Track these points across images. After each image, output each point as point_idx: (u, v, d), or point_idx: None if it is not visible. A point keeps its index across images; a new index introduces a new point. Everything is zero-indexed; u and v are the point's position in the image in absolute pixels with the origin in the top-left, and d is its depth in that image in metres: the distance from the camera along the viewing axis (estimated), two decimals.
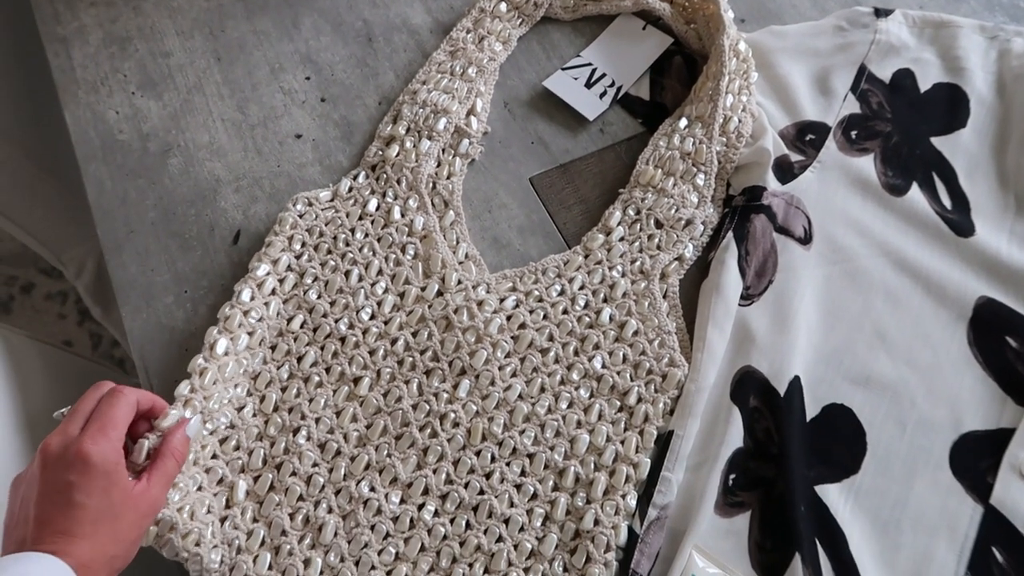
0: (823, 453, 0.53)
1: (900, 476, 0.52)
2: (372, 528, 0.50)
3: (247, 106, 0.67)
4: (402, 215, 0.59)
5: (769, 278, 0.58)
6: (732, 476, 0.52)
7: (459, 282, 0.57)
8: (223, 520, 0.50)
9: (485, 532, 0.50)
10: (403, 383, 0.54)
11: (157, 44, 0.69)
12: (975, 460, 0.53)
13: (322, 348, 0.55)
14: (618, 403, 0.53)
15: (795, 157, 0.63)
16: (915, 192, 0.62)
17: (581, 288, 0.57)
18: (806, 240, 0.60)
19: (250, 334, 0.54)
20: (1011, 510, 0.51)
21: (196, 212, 0.62)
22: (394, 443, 0.52)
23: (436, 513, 0.50)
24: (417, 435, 0.52)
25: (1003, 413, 0.54)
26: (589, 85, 0.67)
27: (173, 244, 0.60)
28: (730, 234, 0.59)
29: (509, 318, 0.56)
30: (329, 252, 0.58)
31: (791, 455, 0.51)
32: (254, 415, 0.53)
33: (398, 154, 0.61)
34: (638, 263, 0.58)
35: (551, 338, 0.55)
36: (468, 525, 0.50)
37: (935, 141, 0.64)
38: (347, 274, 0.57)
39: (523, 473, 0.52)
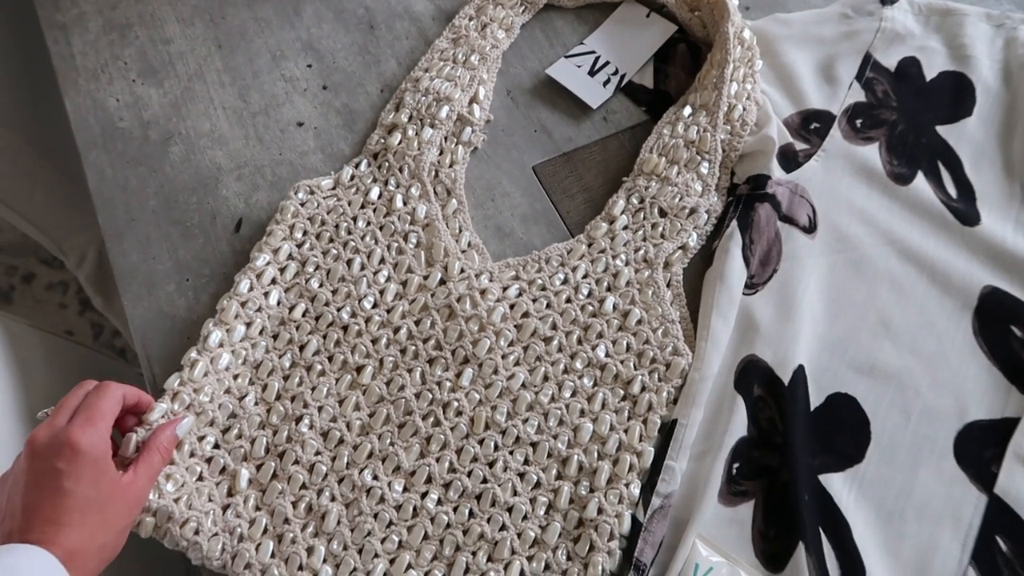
0: (827, 442, 0.53)
1: (904, 465, 0.52)
2: (375, 516, 0.50)
3: (248, 94, 0.66)
4: (404, 203, 0.59)
5: (773, 267, 0.58)
6: (736, 465, 0.52)
7: (462, 271, 0.57)
8: (225, 508, 0.49)
9: (488, 520, 0.50)
10: (406, 372, 0.53)
11: (157, 31, 0.69)
12: (979, 449, 0.53)
13: (324, 337, 0.54)
14: (622, 392, 0.53)
15: (800, 146, 0.63)
16: (920, 181, 0.61)
17: (584, 277, 0.57)
18: (810, 229, 0.60)
19: (248, 324, 0.54)
20: (1015, 499, 0.51)
21: (197, 200, 0.61)
22: (397, 431, 0.52)
23: (439, 501, 0.50)
24: (420, 423, 0.52)
25: (1008, 402, 0.54)
26: (592, 73, 0.67)
27: (174, 232, 0.60)
28: (734, 223, 0.58)
29: (512, 307, 0.56)
30: (331, 240, 0.57)
31: (795, 444, 0.51)
32: (256, 404, 0.53)
33: (400, 142, 0.61)
34: (642, 252, 0.58)
35: (554, 327, 0.55)
36: (471, 513, 0.50)
37: (941, 130, 0.64)
38: (349, 263, 0.57)
39: (526, 462, 0.51)
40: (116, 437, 0.48)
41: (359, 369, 0.54)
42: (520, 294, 0.56)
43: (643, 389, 0.53)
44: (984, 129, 0.64)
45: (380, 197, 0.59)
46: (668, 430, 0.52)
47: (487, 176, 0.63)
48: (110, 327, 1.24)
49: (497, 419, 0.52)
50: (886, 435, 0.53)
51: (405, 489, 0.51)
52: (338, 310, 0.55)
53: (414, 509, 0.50)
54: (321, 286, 0.56)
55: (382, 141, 0.62)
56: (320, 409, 0.52)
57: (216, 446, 0.51)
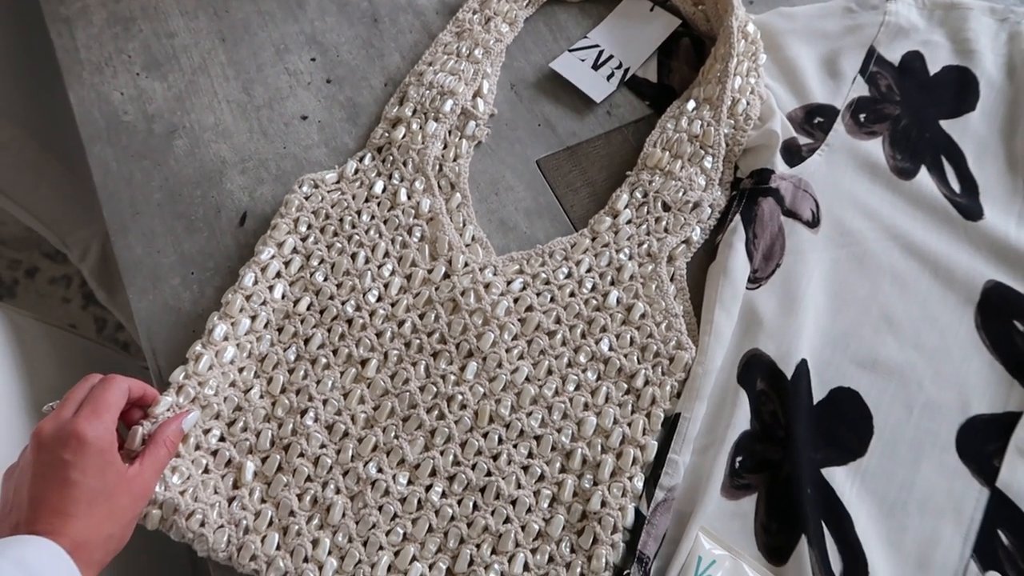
0: (830, 436, 0.53)
1: (906, 459, 0.52)
2: (380, 509, 0.50)
3: (252, 87, 0.66)
4: (408, 197, 0.59)
5: (777, 261, 0.58)
6: (739, 459, 0.52)
7: (466, 264, 0.57)
8: (231, 501, 0.50)
9: (492, 513, 0.50)
10: (410, 365, 0.54)
11: (161, 24, 0.69)
12: (982, 443, 0.53)
13: (329, 330, 0.55)
14: (625, 386, 0.53)
15: (803, 140, 0.63)
16: (924, 175, 0.61)
17: (588, 271, 0.57)
18: (814, 223, 0.60)
19: (253, 318, 0.54)
20: (1017, 493, 0.51)
21: (202, 194, 0.62)
22: (401, 424, 0.52)
23: (444, 494, 0.51)
24: (424, 417, 0.52)
25: (1010, 396, 0.54)
26: (596, 67, 0.67)
27: (179, 226, 0.60)
28: (738, 217, 0.58)
29: (516, 300, 0.56)
30: (335, 234, 0.58)
31: (798, 438, 0.51)
32: (261, 397, 0.53)
33: (404, 136, 0.61)
34: (645, 246, 0.58)
35: (558, 320, 0.55)
36: (475, 506, 0.50)
37: (944, 124, 0.64)
38: (353, 256, 0.57)
39: (530, 455, 0.52)
40: (122, 431, 0.48)
41: (364, 363, 0.54)
42: (524, 288, 0.56)
43: (646, 383, 0.53)
44: (988, 123, 0.64)
45: (384, 191, 0.60)
46: (671, 424, 0.53)
47: (491, 170, 0.63)
48: (113, 321, 1.25)
49: (501, 412, 0.52)
50: (888, 429, 0.53)
51: (409, 482, 0.51)
52: (342, 304, 0.55)
53: (418, 502, 0.50)
54: (325, 280, 0.56)
55: (386, 135, 0.62)
56: (325, 402, 0.53)
57: (222, 439, 0.52)
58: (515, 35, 0.69)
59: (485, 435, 0.52)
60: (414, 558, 0.49)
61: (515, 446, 0.52)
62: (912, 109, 0.64)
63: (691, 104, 0.62)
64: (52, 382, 0.64)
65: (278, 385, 0.53)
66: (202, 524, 0.48)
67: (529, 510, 0.50)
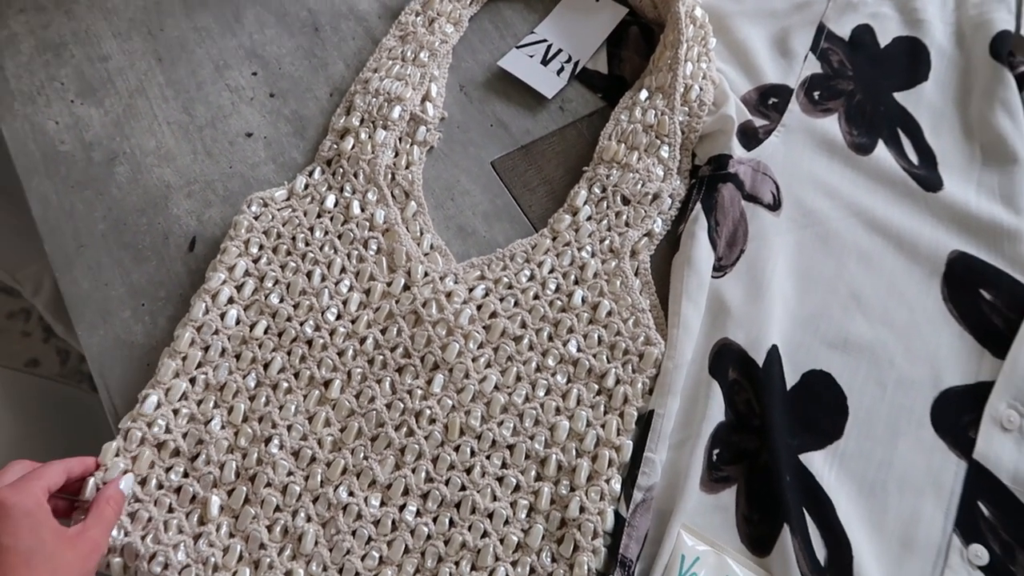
0: (805, 420, 0.52)
1: (883, 437, 0.52)
2: (353, 533, 0.49)
3: (193, 107, 0.64)
4: (362, 209, 0.58)
5: (740, 247, 0.57)
6: (716, 451, 0.51)
7: (426, 274, 0.55)
8: (197, 538, 0.48)
9: (469, 528, 0.49)
10: (375, 382, 0.52)
11: (94, 48, 0.66)
12: (956, 416, 0.52)
13: (289, 353, 0.53)
14: (596, 386, 0.52)
15: (759, 122, 0.62)
16: (881, 150, 0.61)
17: (551, 272, 0.56)
18: (775, 206, 0.59)
19: (205, 349, 0.52)
20: (994, 463, 0.51)
21: (148, 221, 0.59)
22: (370, 445, 0.51)
23: (418, 513, 0.49)
24: (393, 435, 0.51)
25: (981, 367, 0.54)
26: (545, 62, 0.65)
27: (126, 256, 0.58)
28: (698, 205, 0.57)
29: (479, 308, 0.55)
30: (288, 253, 0.56)
31: (773, 425, 0.51)
32: (223, 427, 0.51)
33: (353, 146, 0.59)
34: (607, 242, 0.57)
35: (524, 325, 0.54)
36: (452, 522, 0.49)
37: (898, 96, 0.64)
38: (309, 275, 0.55)
39: (504, 465, 0.50)
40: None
41: (327, 384, 0.52)
42: (487, 294, 0.55)
43: (617, 382, 0.52)
44: (941, 93, 0.64)
45: (336, 205, 0.58)
46: (645, 422, 0.52)
47: (445, 175, 0.62)
48: (76, 352, 1.21)
49: (472, 424, 0.51)
50: (863, 409, 0.53)
51: (382, 503, 0.50)
52: (301, 324, 0.54)
53: (393, 523, 0.49)
54: (282, 301, 0.54)
55: (335, 147, 0.60)
56: (289, 428, 0.51)
57: (185, 475, 0.50)
58: (460, 35, 0.67)
59: (457, 448, 0.51)
60: None
61: (488, 457, 0.50)
62: (865, 83, 0.64)
63: (644, 94, 0.61)
64: (11, 431, 0.62)
65: (239, 414, 0.51)
66: (165, 567, 0.46)
67: (507, 522, 0.49)
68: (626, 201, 0.58)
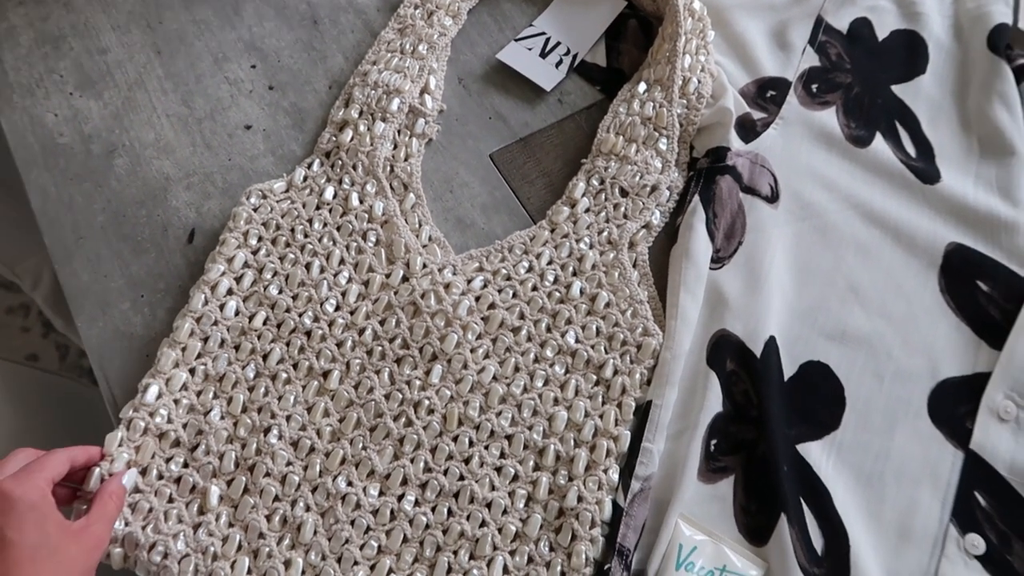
0: (803, 411, 0.52)
1: (880, 428, 0.52)
2: (352, 523, 0.49)
3: (192, 99, 0.64)
4: (361, 201, 0.58)
5: (738, 239, 0.57)
6: (713, 441, 0.51)
7: (424, 266, 0.55)
8: (196, 528, 0.48)
9: (468, 518, 0.49)
10: (374, 373, 0.52)
11: (93, 41, 0.66)
12: (953, 406, 0.53)
13: (288, 344, 0.53)
14: (594, 377, 0.52)
15: (757, 115, 0.62)
16: (879, 142, 0.61)
17: (549, 263, 0.56)
18: (773, 198, 0.59)
19: (205, 340, 0.52)
20: (991, 453, 0.51)
21: (147, 213, 0.60)
22: (369, 435, 0.51)
23: (416, 503, 0.49)
24: (392, 425, 0.51)
25: (978, 358, 0.54)
26: (544, 55, 0.65)
27: (125, 248, 0.58)
28: (696, 197, 0.58)
29: (478, 299, 0.55)
30: (287, 245, 0.56)
31: (771, 416, 0.51)
32: (222, 418, 0.51)
33: (352, 139, 0.60)
34: (605, 233, 0.57)
35: (522, 316, 0.54)
36: (450, 512, 0.49)
37: (896, 89, 0.64)
38: (308, 266, 0.55)
39: (502, 455, 0.51)
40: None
41: (326, 374, 0.52)
42: (485, 285, 0.55)
43: (615, 372, 0.53)
44: (939, 86, 0.64)
45: (335, 197, 0.58)
46: (643, 412, 0.52)
47: (444, 167, 0.62)
48: (76, 347, 1.21)
49: (470, 414, 0.51)
50: (860, 400, 0.53)
51: (381, 493, 0.50)
52: (300, 315, 0.54)
53: (391, 512, 0.49)
54: (280, 292, 0.54)
55: (333, 139, 0.60)
56: (288, 418, 0.51)
57: (185, 465, 0.50)
58: (459, 28, 0.67)
59: (455, 439, 0.51)
60: (390, 570, 0.48)
61: (486, 447, 0.51)
62: (863, 76, 0.64)
63: (642, 86, 0.61)
64: (10, 422, 0.62)
65: (239, 404, 0.51)
66: (165, 556, 0.46)
67: (505, 511, 0.49)
68: (624, 193, 0.58)
